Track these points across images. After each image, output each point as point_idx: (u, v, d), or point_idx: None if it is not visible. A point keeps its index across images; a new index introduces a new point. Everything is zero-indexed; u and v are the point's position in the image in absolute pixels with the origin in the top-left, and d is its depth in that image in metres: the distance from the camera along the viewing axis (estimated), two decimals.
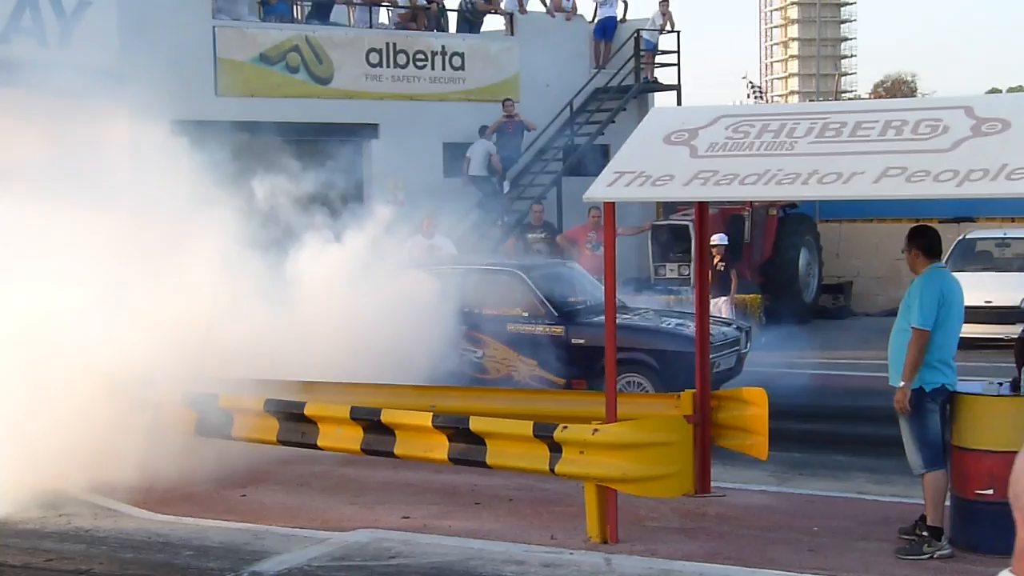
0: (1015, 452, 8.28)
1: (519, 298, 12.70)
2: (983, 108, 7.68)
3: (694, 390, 9.08)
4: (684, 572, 7.49)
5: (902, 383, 7.64)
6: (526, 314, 12.60)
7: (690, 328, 12.56)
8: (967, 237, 19.22)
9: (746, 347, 13.25)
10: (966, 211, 20.74)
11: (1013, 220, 20.48)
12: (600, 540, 8.11)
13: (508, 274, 12.96)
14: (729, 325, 13.35)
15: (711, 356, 12.12)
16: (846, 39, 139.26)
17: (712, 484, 9.24)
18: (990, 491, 7.55)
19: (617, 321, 12.53)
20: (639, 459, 8.10)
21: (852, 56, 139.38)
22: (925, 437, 7.68)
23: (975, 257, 18.73)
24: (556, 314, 12.52)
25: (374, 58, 20.01)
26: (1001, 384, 7.81)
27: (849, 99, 74.30)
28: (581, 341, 12.20)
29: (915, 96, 68.20)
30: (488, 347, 12.62)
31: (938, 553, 7.61)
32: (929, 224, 8.30)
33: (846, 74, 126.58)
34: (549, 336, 12.38)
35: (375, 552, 8.06)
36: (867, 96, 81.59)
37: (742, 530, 8.44)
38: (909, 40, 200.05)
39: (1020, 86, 74.57)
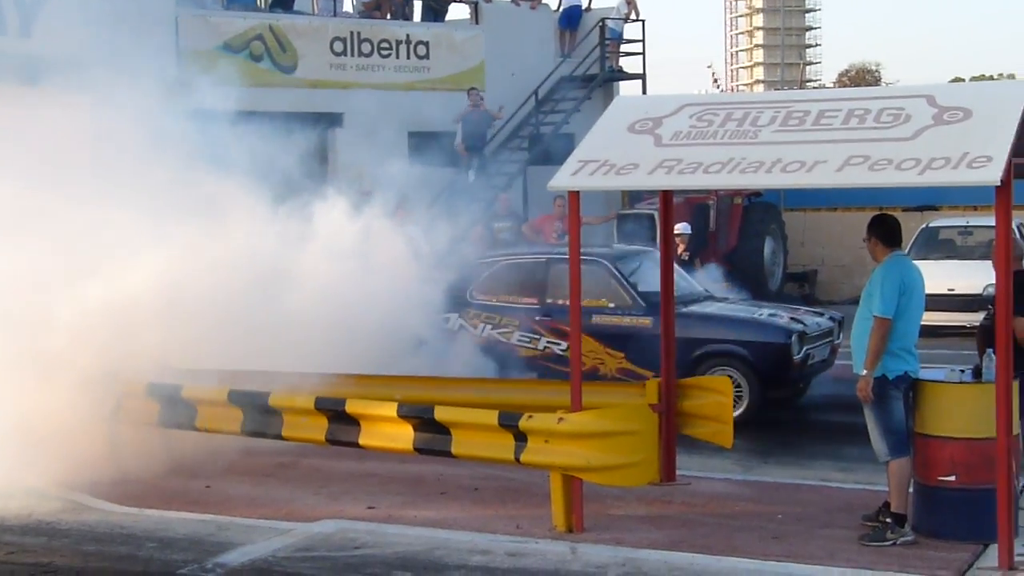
0: (977, 439, 8.29)
1: (605, 288, 12.24)
2: (945, 97, 7.71)
3: (659, 378, 9.09)
4: (649, 560, 7.50)
5: (865, 371, 7.69)
6: (612, 305, 12.18)
7: (783, 318, 12.28)
8: (930, 225, 19.37)
9: (838, 338, 12.82)
10: (929, 199, 20.88)
11: (976, 208, 20.58)
12: (566, 529, 8.11)
13: (593, 263, 12.26)
14: (822, 315, 12.90)
15: (807, 348, 11.89)
16: (811, 28, 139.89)
17: (677, 472, 9.26)
18: (952, 477, 7.61)
19: (707, 311, 12.42)
20: (604, 448, 8.11)
21: (817, 45, 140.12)
22: (889, 424, 7.72)
23: (938, 245, 18.86)
24: (644, 305, 12.04)
25: (338, 47, 19.91)
26: (963, 371, 7.86)
27: (814, 88, 74.58)
28: None
29: (879, 85, 68.59)
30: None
31: (901, 539, 7.66)
32: (889, 212, 8.33)
33: (811, 63, 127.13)
34: (637, 328, 11.90)
35: (340, 543, 8.04)
36: (832, 85, 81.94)
37: (707, 518, 8.47)
38: (873, 30, 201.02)
39: (983, 75, 75.14)
